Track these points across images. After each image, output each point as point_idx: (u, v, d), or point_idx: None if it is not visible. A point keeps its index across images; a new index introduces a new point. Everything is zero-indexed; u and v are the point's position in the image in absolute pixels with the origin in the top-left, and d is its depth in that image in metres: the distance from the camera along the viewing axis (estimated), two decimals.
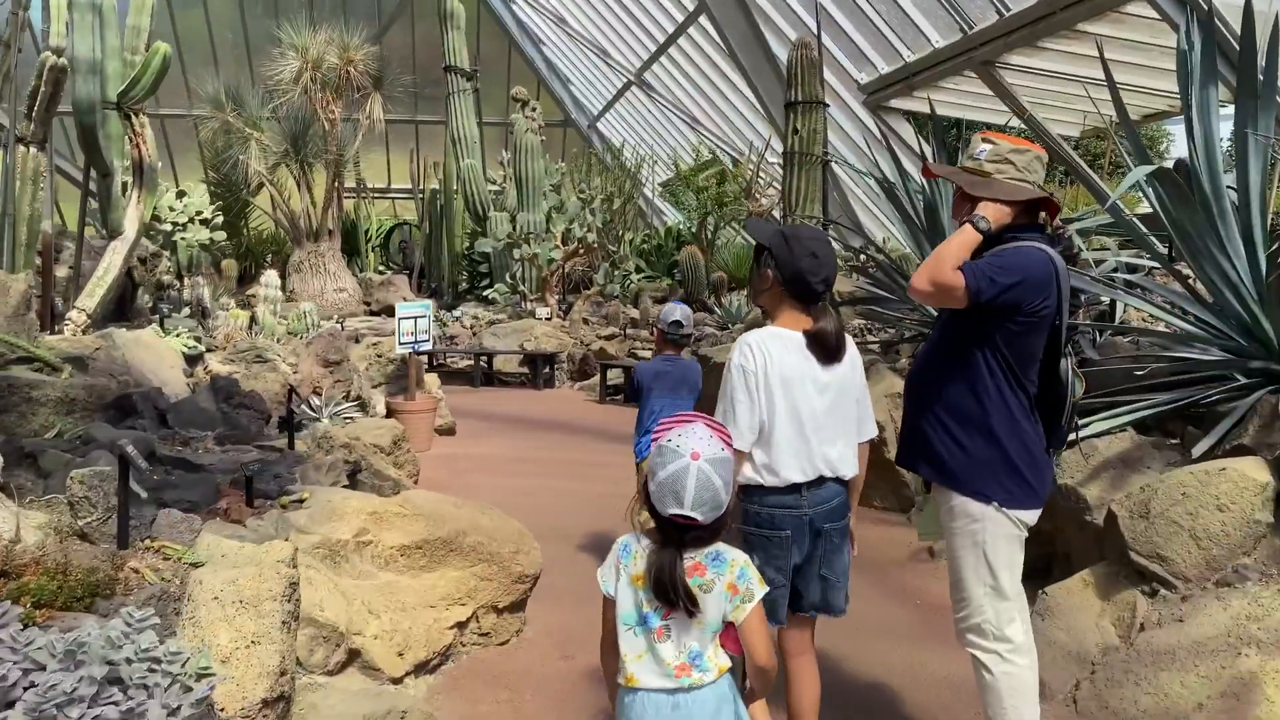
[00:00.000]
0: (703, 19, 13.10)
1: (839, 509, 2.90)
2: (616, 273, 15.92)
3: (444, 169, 19.24)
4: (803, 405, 2.81)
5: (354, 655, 3.51)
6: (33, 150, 5.82)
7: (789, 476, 2.79)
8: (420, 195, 21.07)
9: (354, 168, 20.96)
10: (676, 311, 4.70)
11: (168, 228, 7.43)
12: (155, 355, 6.43)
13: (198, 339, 7.30)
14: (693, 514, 2.07)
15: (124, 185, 7.83)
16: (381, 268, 22.57)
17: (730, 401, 2.78)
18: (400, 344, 8.85)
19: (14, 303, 5.47)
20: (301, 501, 4.19)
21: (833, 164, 10.47)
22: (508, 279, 16.17)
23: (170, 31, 20.28)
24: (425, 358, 14.25)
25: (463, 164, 17.52)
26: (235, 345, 7.50)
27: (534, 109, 17.36)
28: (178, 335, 7.10)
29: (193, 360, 7.13)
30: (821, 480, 2.85)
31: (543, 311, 15.17)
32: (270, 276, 8.86)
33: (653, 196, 20.64)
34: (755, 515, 2.82)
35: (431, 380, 9.87)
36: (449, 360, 14.81)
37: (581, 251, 15.40)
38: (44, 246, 6.46)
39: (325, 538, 3.86)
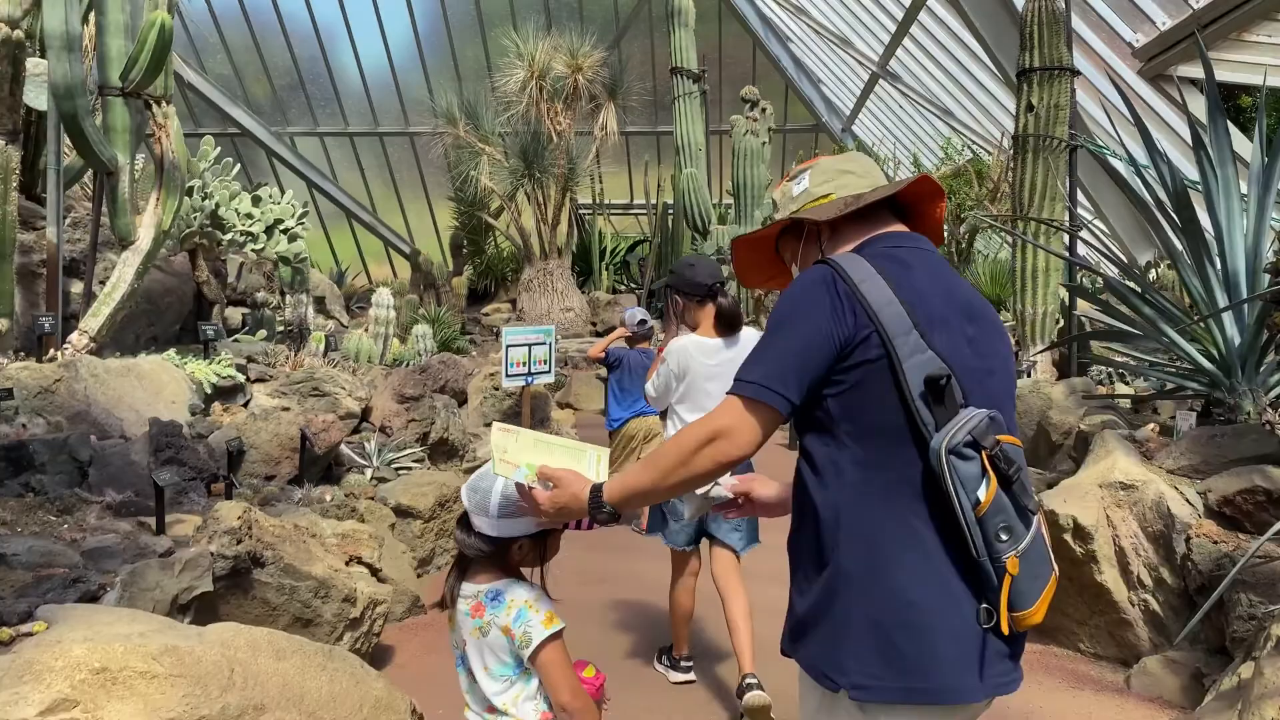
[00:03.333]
0: None
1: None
2: None
3: (673, 180, 17.93)
4: (698, 390, 3.88)
5: None
6: (1, 143, 4.93)
7: None
8: (653, 209, 19.92)
9: (590, 182, 20.19)
10: (640, 313, 6.79)
11: (238, 237, 6.53)
12: (150, 389, 5.38)
13: (241, 367, 6.25)
14: (466, 504, 2.03)
15: (207, 190, 7.00)
16: (620, 286, 21.69)
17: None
18: (508, 376, 7.45)
19: None
20: (32, 635, 2.79)
21: (1084, 149, 7.91)
22: None
23: (414, 47, 20.52)
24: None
25: (684, 173, 16.06)
26: (289, 375, 6.38)
27: (763, 110, 15.59)
28: (218, 361, 6.08)
29: (228, 393, 6.08)
30: None
31: (754, 334, 13.35)
32: (382, 295, 7.79)
33: None
34: None
35: (563, 418, 8.41)
36: None
37: None
38: (48, 257, 5.64)
39: None
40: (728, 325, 3.88)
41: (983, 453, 1.62)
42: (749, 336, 3.94)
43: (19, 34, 4.74)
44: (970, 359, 1.73)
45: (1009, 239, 15.20)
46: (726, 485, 2.09)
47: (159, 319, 6.59)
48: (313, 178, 22.13)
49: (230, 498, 4.49)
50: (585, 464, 1.95)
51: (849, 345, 1.68)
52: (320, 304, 9.94)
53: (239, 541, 3.65)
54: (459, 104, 18.35)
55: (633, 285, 21.71)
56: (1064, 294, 8.02)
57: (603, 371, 13.03)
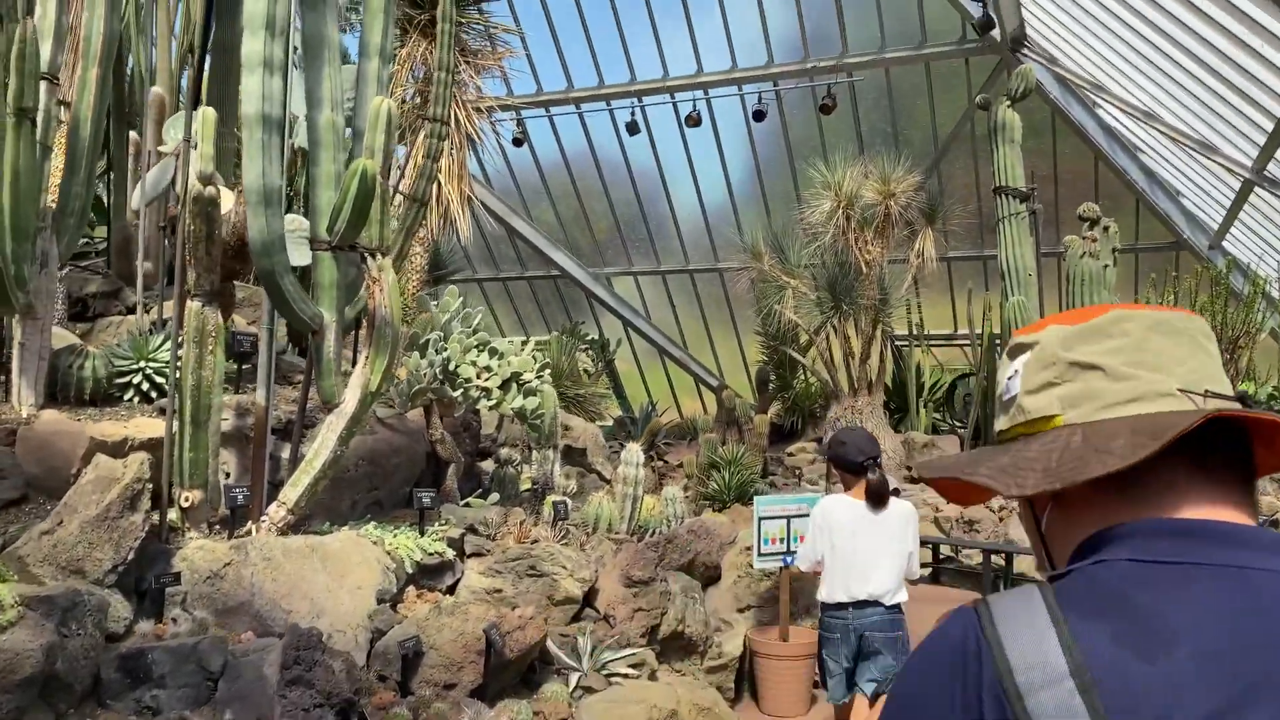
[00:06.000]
0: None
1: (880, 624, 4.37)
2: None
3: (1001, 309, 16.09)
4: (843, 547, 4.47)
5: None
6: (198, 304, 4.69)
7: (836, 597, 4.46)
8: (979, 340, 18.03)
9: (906, 312, 18.74)
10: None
11: (473, 392, 5.97)
12: (335, 573, 4.81)
13: (455, 540, 5.60)
14: None
15: (443, 343, 6.61)
16: (941, 425, 19.74)
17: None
18: (760, 555, 6.28)
19: (107, 501, 4.23)
20: None
21: None
22: None
23: (724, 188, 20.40)
24: (930, 550, 11.23)
25: (1010, 301, 14.26)
26: (505, 551, 5.65)
27: (1105, 228, 13.57)
28: (430, 534, 5.47)
29: (434, 571, 5.43)
30: (864, 603, 4.41)
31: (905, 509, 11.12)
32: (631, 452, 6.95)
33: None
34: (822, 621, 4.55)
35: None
36: (960, 555, 11.53)
37: None
38: (255, 421, 5.33)
39: None
40: (874, 499, 4.44)
41: None
42: (900, 510, 4.53)
43: (211, 191, 4.51)
44: None
45: None
46: None
47: (384, 482, 6.15)
48: (627, 316, 22.49)
49: None
50: None
51: None
52: (581, 456, 9.34)
53: None
54: (764, 237, 17.86)
55: (956, 424, 19.64)
56: None
57: None
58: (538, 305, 23.70)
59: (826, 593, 4.53)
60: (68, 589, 3.61)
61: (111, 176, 8.35)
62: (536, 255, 22.17)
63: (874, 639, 4.36)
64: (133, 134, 8.25)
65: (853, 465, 4.49)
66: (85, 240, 10.14)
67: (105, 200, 9.24)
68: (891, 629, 4.41)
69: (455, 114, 13.06)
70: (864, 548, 4.39)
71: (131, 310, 7.41)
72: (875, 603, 4.39)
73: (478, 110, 14.03)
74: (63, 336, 6.07)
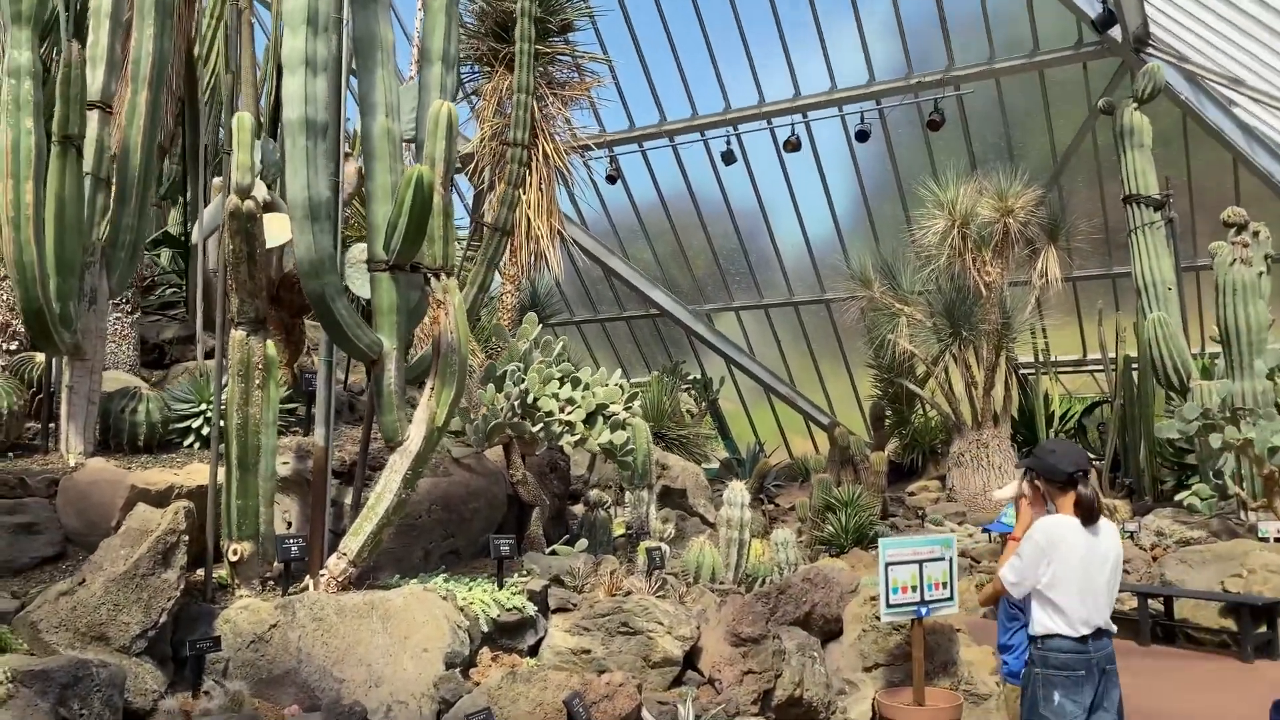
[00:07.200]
0: None
1: (1112, 655, 3.95)
2: None
3: (1135, 329, 14.82)
4: (1078, 571, 3.86)
5: None
6: (242, 334, 4.21)
7: (1079, 630, 3.87)
8: (1112, 364, 16.66)
9: (1030, 337, 17.49)
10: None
11: (556, 427, 5.37)
12: (396, 633, 4.21)
13: (537, 594, 4.97)
14: None
15: (523, 374, 6.02)
16: None
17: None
18: (889, 607, 5.45)
19: (136, 556, 3.73)
20: None
21: None
22: (1212, 476, 11.11)
23: (829, 216, 19.56)
24: None
25: (1150, 318, 13.04)
26: (593, 605, 4.98)
27: (1254, 234, 12.27)
28: (509, 587, 4.85)
29: (513, 630, 4.79)
30: (1100, 632, 3.90)
31: (1269, 528, 9.91)
32: (735, 492, 6.22)
33: None
34: (1051, 659, 3.90)
35: (981, 659, 6.09)
36: None
37: None
38: (314, 464, 4.81)
39: None
40: (1086, 514, 3.93)
41: None
42: (1111, 528, 4.02)
43: (249, 205, 4.04)
44: None
45: None
46: None
47: (460, 529, 5.56)
48: (730, 353, 21.76)
49: None
50: None
51: None
52: (681, 498, 8.63)
53: None
54: (873, 263, 17.00)
55: (1091, 456, 18.20)
56: None
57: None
58: (637, 346, 23.17)
59: (1063, 625, 3.89)
60: (70, 661, 3.09)
61: (190, 218, 8.13)
62: (634, 295, 21.69)
63: (1111, 672, 3.95)
64: (218, 180, 8.03)
65: (1061, 475, 3.91)
66: (174, 290, 10.01)
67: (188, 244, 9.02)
68: (1113, 660, 3.99)
69: (544, 148, 12.70)
70: (1094, 571, 3.89)
71: (209, 355, 7.07)
72: (1107, 632, 3.96)
73: (570, 149, 13.63)
74: (122, 380, 5.72)
